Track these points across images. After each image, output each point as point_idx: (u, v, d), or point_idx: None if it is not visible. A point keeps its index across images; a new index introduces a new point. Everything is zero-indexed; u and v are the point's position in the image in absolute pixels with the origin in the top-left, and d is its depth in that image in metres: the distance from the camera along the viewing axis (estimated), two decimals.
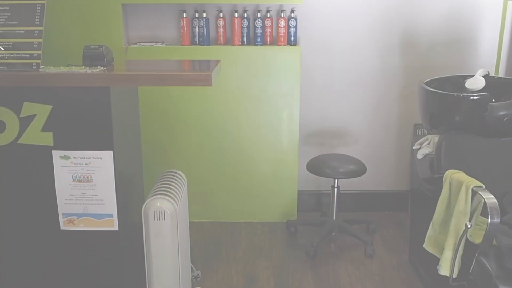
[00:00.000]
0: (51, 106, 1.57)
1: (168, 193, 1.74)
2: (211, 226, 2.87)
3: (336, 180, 2.57)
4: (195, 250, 2.52)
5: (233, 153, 2.82)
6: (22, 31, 1.54)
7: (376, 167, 2.98)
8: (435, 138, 2.19)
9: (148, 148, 2.49)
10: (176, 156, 2.81)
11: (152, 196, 1.73)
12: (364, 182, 2.98)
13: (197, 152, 2.82)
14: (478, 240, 1.74)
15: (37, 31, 1.54)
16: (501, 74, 2.69)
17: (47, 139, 1.60)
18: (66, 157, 1.63)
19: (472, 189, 1.76)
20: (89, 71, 1.54)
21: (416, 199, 2.44)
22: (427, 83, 2.23)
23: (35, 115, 1.58)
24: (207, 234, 2.78)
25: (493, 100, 2.16)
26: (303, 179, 2.92)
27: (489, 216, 1.66)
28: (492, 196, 1.70)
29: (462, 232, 1.76)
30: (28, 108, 1.57)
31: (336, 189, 2.59)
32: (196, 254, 2.53)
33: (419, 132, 2.82)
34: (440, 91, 2.16)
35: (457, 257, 1.79)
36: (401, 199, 3.02)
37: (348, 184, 2.89)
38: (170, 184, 1.84)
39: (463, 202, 1.77)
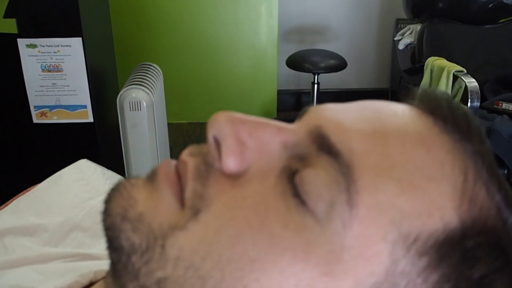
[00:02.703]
0: None
1: (143, 84, 1.68)
2: (190, 127, 2.84)
3: (316, 76, 2.53)
4: (174, 150, 2.50)
5: (211, 51, 2.73)
6: None
7: (357, 64, 2.93)
8: (417, 27, 2.13)
9: (122, 46, 2.38)
10: (152, 55, 2.71)
11: (127, 86, 1.67)
12: (344, 80, 2.94)
13: (173, 51, 2.72)
14: None
15: None
16: None
17: (11, 26, 1.50)
18: (33, 46, 1.54)
19: (454, 74, 1.74)
20: None
21: (396, 95, 2.43)
22: None
23: None
24: (186, 135, 2.76)
25: None
26: (283, 78, 2.87)
27: (469, 99, 1.65)
28: (474, 80, 1.69)
29: None
30: None
31: (316, 85, 2.56)
32: (176, 153, 2.52)
33: (401, 27, 2.75)
34: None
35: None
36: (381, 97, 3.00)
37: (328, 82, 2.86)
38: (145, 76, 1.77)
39: (444, 87, 1.76)
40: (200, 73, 2.77)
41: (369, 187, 0.28)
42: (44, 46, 1.54)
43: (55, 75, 1.58)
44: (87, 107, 1.63)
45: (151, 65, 1.90)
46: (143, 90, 1.65)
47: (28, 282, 0.38)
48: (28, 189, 0.52)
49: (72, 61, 1.56)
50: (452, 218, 0.28)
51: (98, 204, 0.48)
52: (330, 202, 0.28)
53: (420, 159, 0.29)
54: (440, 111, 0.31)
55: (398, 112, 0.32)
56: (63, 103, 1.62)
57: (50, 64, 1.56)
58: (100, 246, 0.45)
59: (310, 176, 0.29)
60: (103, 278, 0.35)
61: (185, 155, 0.32)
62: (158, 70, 1.91)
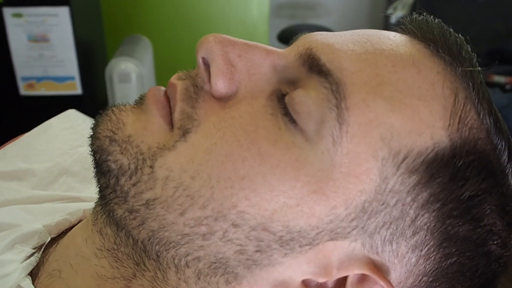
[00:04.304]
0: None
1: (132, 56, 1.67)
2: None
3: None
4: None
5: (201, 25, 2.69)
6: None
7: None
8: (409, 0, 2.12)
9: (111, 18, 2.35)
10: (142, 27, 2.66)
11: (116, 58, 1.65)
12: None
13: (164, 24, 2.67)
14: None
15: None
16: None
17: None
18: (19, 15, 1.52)
19: None
20: None
21: None
22: None
23: None
24: None
25: None
26: None
27: None
28: None
29: None
30: None
31: None
32: None
33: (393, 1, 2.74)
34: None
35: None
36: None
37: None
38: (135, 48, 1.76)
39: None
40: (191, 47, 2.73)
41: (360, 104, 0.28)
42: (30, 15, 1.52)
43: (42, 45, 1.56)
44: (75, 78, 1.61)
45: (140, 38, 1.88)
46: (132, 62, 1.64)
47: (16, 220, 0.38)
48: (15, 138, 0.52)
49: (60, 31, 1.54)
50: (442, 137, 0.28)
51: (87, 151, 0.48)
52: (320, 120, 0.28)
53: (410, 79, 0.29)
54: (432, 35, 0.31)
55: (389, 36, 0.32)
56: (50, 74, 1.60)
57: (37, 34, 1.54)
58: (89, 191, 0.45)
59: (300, 95, 0.28)
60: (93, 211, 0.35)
61: (174, 78, 0.31)
62: (148, 43, 1.90)
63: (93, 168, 0.31)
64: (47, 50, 1.55)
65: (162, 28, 2.67)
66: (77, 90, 1.61)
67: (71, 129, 0.51)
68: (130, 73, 1.63)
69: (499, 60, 1.91)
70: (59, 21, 1.52)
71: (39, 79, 1.59)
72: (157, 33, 2.65)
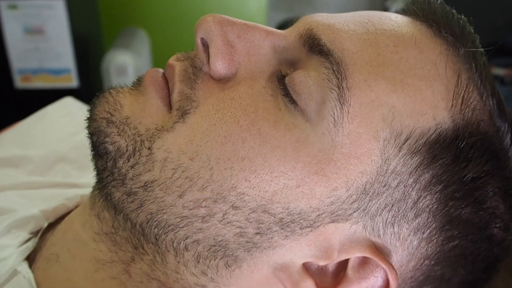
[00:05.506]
0: None
1: (129, 49, 1.66)
2: None
3: None
4: None
5: (198, 17, 2.67)
6: None
7: None
8: None
9: (108, 10, 2.34)
10: (139, 20, 2.65)
11: (112, 50, 1.64)
12: None
13: (161, 17, 2.66)
14: None
15: None
16: None
17: None
18: (14, 7, 1.51)
19: None
20: None
21: None
22: None
23: None
24: None
25: None
26: None
27: None
28: None
29: None
30: None
31: None
32: None
33: None
34: None
35: None
36: None
37: None
38: (131, 41, 1.75)
39: None
40: (188, 40, 2.72)
41: (361, 84, 0.27)
42: (25, 7, 1.51)
43: (38, 38, 1.55)
44: (72, 71, 1.61)
45: (137, 31, 1.87)
46: (129, 55, 1.63)
47: (12, 205, 0.38)
48: (12, 125, 0.51)
49: (55, 23, 1.53)
50: (444, 118, 0.28)
51: (85, 138, 0.47)
52: (321, 100, 0.27)
53: (412, 59, 0.28)
54: (434, 15, 0.31)
55: (391, 16, 0.31)
56: (46, 66, 1.59)
57: (32, 27, 1.53)
58: (86, 178, 0.44)
59: (300, 76, 0.28)
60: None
61: (172, 59, 0.31)
62: (145, 36, 1.89)
63: (90, 151, 0.31)
64: (42, 42, 1.54)
65: (159, 20, 2.65)
66: (73, 83, 1.60)
67: (68, 117, 0.50)
68: (126, 66, 1.63)
69: (498, 53, 1.91)
70: (54, 13, 1.51)
71: (35, 71, 1.58)
72: (154, 26, 2.63)
